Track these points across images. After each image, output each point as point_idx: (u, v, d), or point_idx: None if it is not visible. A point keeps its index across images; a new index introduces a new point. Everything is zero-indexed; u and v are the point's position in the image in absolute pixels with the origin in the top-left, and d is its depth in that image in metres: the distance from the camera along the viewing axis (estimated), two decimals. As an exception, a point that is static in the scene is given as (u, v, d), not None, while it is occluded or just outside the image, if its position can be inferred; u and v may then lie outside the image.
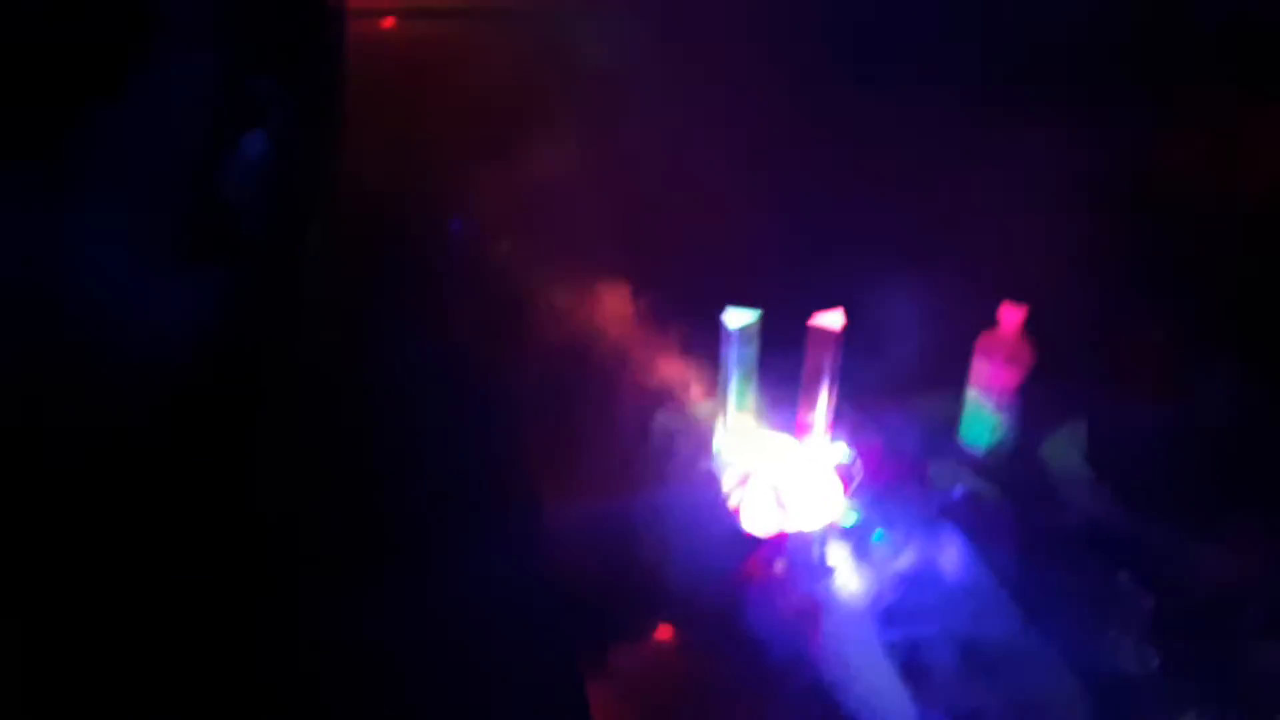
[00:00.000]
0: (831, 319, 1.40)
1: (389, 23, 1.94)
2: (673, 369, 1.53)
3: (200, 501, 1.37)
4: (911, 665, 1.28)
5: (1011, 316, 1.57)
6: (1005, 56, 1.63)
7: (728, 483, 1.42)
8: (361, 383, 1.53)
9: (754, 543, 1.37)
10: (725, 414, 1.43)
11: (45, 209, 1.22)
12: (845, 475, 1.41)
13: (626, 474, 1.48)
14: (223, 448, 1.40)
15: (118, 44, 1.19)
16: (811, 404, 1.44)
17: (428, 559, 1.37)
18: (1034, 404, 1.60)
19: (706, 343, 1.46)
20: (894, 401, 1.67)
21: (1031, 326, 1.57)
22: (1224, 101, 1.71)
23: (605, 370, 1.54)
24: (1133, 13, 1.68)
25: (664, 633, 1.34)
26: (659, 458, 1.47)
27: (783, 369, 1.47)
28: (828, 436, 1.45)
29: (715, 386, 1.45)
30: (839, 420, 1.47)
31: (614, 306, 1.57)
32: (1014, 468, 1.61)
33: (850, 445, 1.43)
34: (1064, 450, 1.64)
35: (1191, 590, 1.37)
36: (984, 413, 1.61)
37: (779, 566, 1.36)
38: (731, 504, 1.40)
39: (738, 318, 1.38)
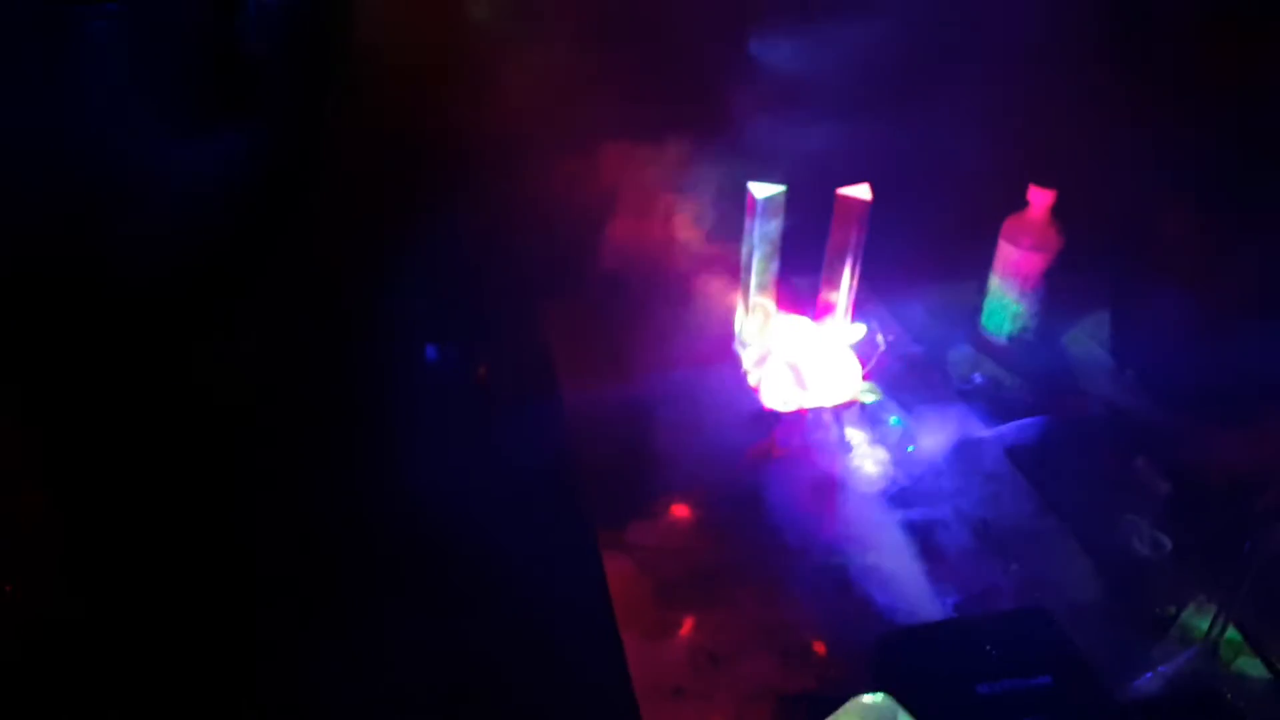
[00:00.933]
0: (859, 190, 1.36)
1: None
2: (694, 243, 1.49)
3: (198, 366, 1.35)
4: (927, 544, 1.28)
5: (1040, 200, 1.53)
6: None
7: (747, 360, 1.39)
8: (375, 270, 1.49)
9: (773, 418, 1.36)
10: (746, 291, 1.40)
11: (61, 61, 1.17)
12: (864, 354, 1.39)
13: (646, 349, 1.46)
14: (234, 311, 1.38)
15: None
16: (834, 281, 1.41)
17: (449, 430, 1.36)
18: (1058, 294, 1.58)
19: (729, 220, 1.42)
20: (916, 287, 1.65)
21: (1058, 211, 1.54)
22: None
23: (625, 244, 1.50)
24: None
25: (681, 508, 1.34)
26: (678, 336, 1.44)
27: (805, 250, 1.43)
28: (848, 317, 1.42)
29: (737, 263, 1.41)
30: (860, 302, 1.44)
31: (634, 176, 1.52)
32: (1035, 355, 1.59)
33: (870, 325, 1.41)
34: (1086, 340, 1.62)
35: (1207, 477, 1.36)
36: (1007, 300, 1.58)
37: (798, 441, 1.35)
38: (751, 381, 1.38)
39: (763, 189, 1.34)
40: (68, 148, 1.23)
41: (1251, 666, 1.15)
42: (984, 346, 1.62)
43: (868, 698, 0.94)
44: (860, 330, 1.40)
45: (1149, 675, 1.13)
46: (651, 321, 1.48)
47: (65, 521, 1.24)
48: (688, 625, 1.19)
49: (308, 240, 1.41)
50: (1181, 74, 1.61)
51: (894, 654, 1.10)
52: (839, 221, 1.37)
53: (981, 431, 1.45)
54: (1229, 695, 1.12)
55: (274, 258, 1.40)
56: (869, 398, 1.38)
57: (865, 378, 1.39)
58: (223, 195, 1.31)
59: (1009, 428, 1.45)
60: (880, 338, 1.38)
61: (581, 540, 1.29)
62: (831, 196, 1.38)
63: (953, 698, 1.02)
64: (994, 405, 1.51)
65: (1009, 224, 1.57)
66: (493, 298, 1.55)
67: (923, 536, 1.29)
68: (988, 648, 1.08)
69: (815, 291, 1.45)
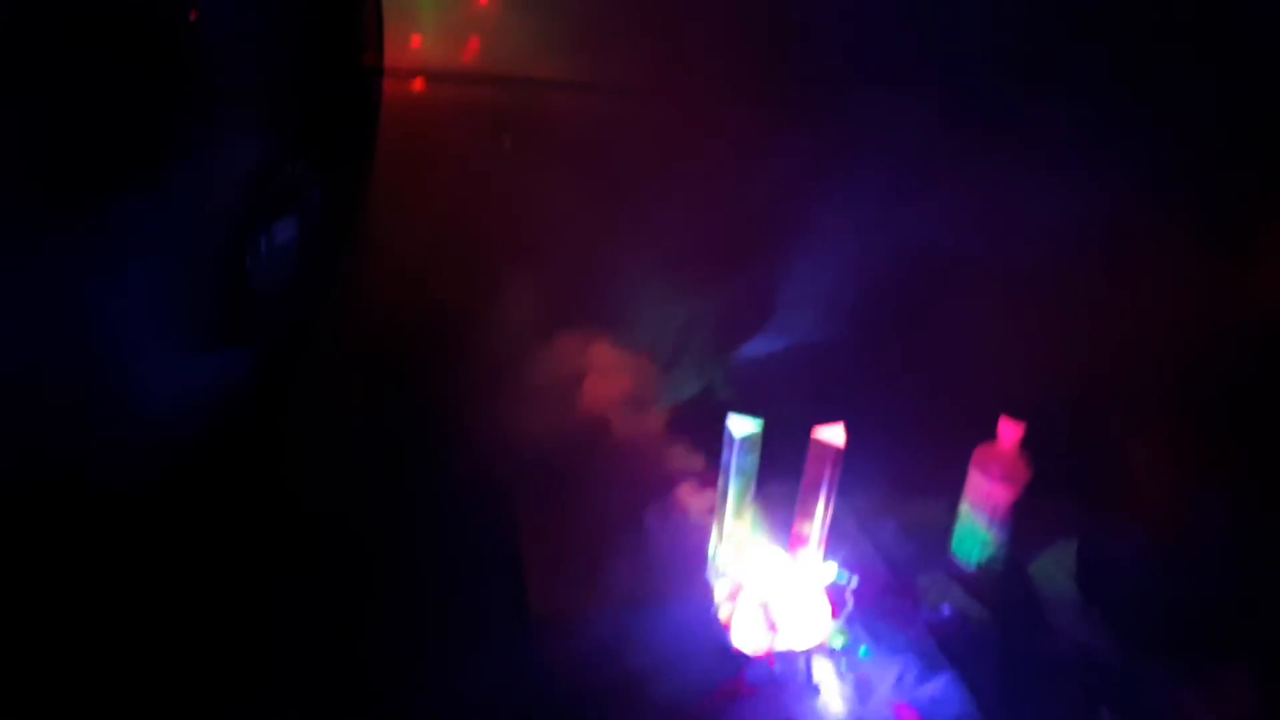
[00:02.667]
0: (833, 433, 1.39)
1: (418, 84, 1.91)
2: (672, 473, 1.51)
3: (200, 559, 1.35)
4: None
5: (1010, 432, 1.57)
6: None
7: (719, 594, 1.40)
8: (360, 470, 1.51)
9: (742, 659, 1.35)
10: (721, 522, 1.41)
11: (79, 283, 1.19)
12: (836, 598, 1.40)
13: (621, 571, 1.46)
14: (226, 524, 1.38)
15: (162, 125, 1.17)
16: (808, 516, 1.43)
17: (412, 658, 1.35)
18: (1026, 522, 1.60)
19: (708, 449, 1.44)
20: (888, 511, 1.67)
21: (1028, 444, 1.57)
22: (1227, 216, 1.72)
23: (603, 472, 1.52)
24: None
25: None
26: (652, 563, 1.45)
27: (781, 481, 1.45)
28: (822, 552, 1.44)
29: (714, 493, 1.43)
30: (834, 534, 1.46)
31: (617, 408, 1.56)
32: (1003, 586, 1.60)
33: (844, 566, 1.42)
34: (1053, 571, 1.64)
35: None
36: (977, 528, 1.60)
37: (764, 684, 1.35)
38: (722, 616, 1.38)
39: (742, 425, 1.37)
40: (69, 359, 1.25)
41: None
42: (954, 572, 1.63)
43: None
44: (832, 569, 1.41)
45: None
46: (628, 542, 1.49)
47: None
48: None
49: (287, 463, 1.43)
50: (1148, 313, 1.68)
51: None
52: (813, 461, 1.40)
53: (949, 671, 1.45)
54: None
55: (252, 481, 1.41)
56: (838, 641, 1.38)
57: (835, 617, 1.39)
58: (212, 414, 1.33)
59: (975, 665, 1.45)
60: (850, 590, 1.39)
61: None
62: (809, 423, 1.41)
63: None
64: (962, 640, 1.51)
65: (979, 453, 1.60)
66: (471, 507, 1.55)
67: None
68: None
69: (793, 500, 1.46)
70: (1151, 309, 1.67)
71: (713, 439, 1.42)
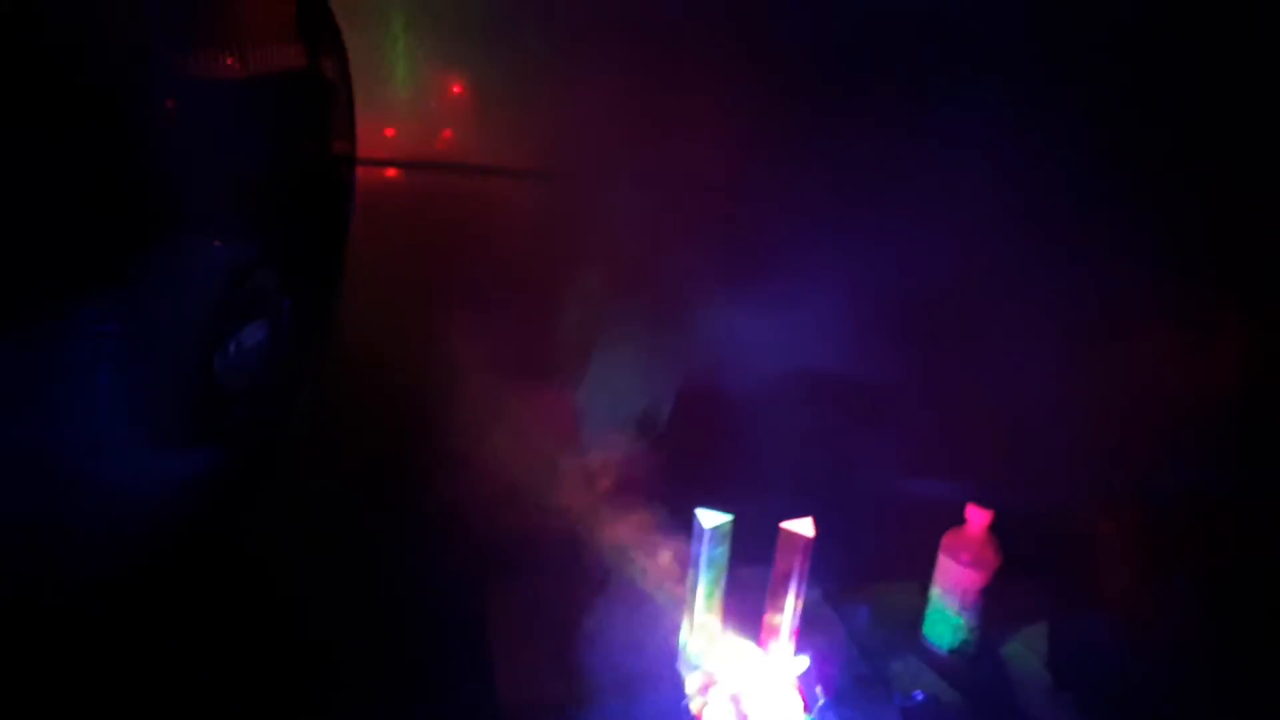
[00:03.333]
0: (802, 525, 1.40)
1: (392, 173, 1.96)
2: (641, 564, 1.52)
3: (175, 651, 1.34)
4: None
5: (978, 518, 1.58)
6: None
7: (690, 686, 1.40)
8: (330, 563, 1.51)
9: (714, 755, 1.35)
10: (692, 613, 1.42)
11: (50, 387, 1.21)
12: (807, 692, 1.40)
13: (588, 669, 1.46)
14: (195, 611, 1.37)
15: (132, 236, 1.19)
16: (778, 608, 1.43)
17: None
18: (997, 606, 1.61)
19: (677, 540, 1.46)
20: (859, 598, 1.68)
21: (996, 529, 1.59)
22: (1190, 301, 1.76)
23: (572, 558, 1.53)
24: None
25: None
26: (622, 654, 1.44)
27: (750, 573, 1.46)
28: (793, 644, 1.44)
29: (683, 585, 1.44)
30: (806, 619, 1.46)
31: (585, 495, 1.57)
32: (975, 670, 1.61)
33: (815, 663, 1.42)
34: (1025, 653, 1.65)
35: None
36: (947, 612, 1.61)
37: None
38: (694, 709, 1.38)
39: (711, 518, 1.38)
40: (47, 467, 1.26)
41: None
42: (926, 658, 1.64)
43: None
44: (804, 663, 1.42)
45: None
46: (599, 628, 1.49)
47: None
48: None
49: (260, 553, 1.43)
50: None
51: None
52: (782, 552, 1.41)
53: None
54: None
55: (226, 572, 1.41)
56: (811, 734, 1.38)
57: (806, 711, 1.39)
58: (185, 508, 1.34)
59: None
60: (819, 690, 1.40)
61: None
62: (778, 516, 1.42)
63: None
64: (936, 729, 1.51)
65: (948, 539, 1.61)
66: (442, 599, 1.55)
67: None
68: None
69: (764, 584, 1.47)
70: (1117, 394, 1.70)
71: (683, 529, 1.43)
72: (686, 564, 1.43)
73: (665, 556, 1.51)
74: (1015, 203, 1.71)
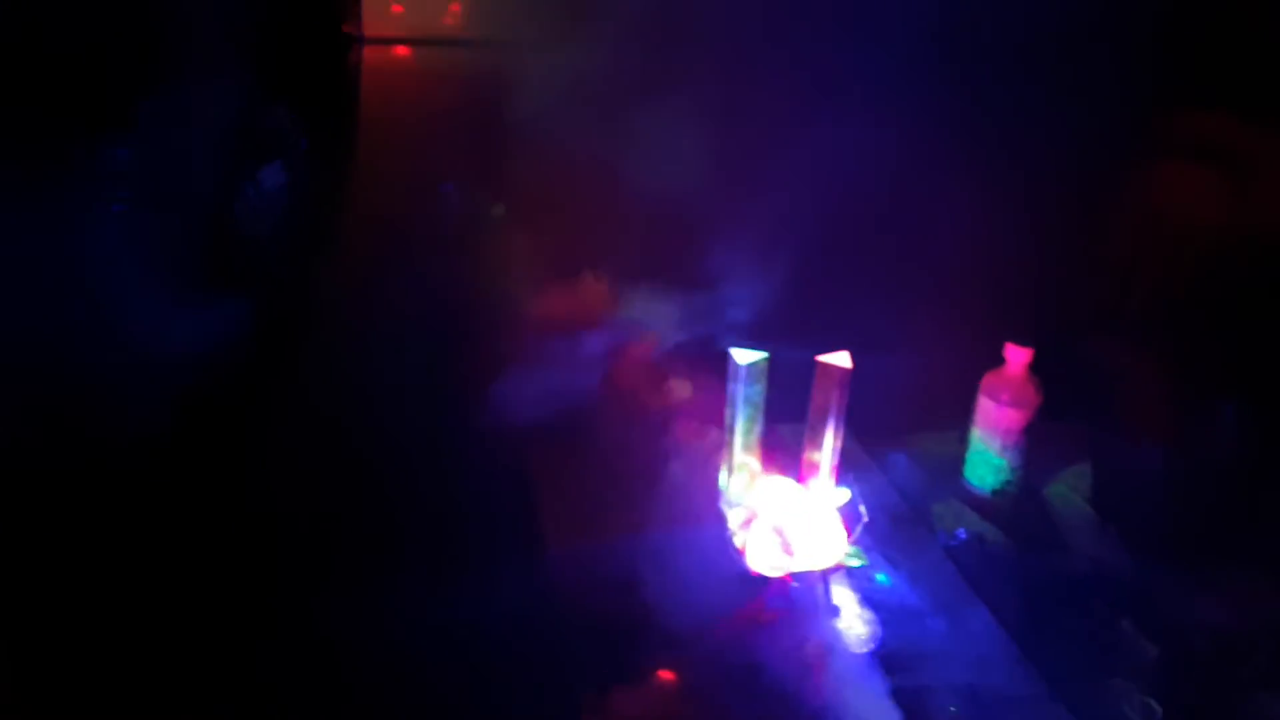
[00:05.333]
0: (839, 358, 1.40)
1: (403, 51, 1.94)
2: (680, 407, 1.52)
3: (207, 507, 1.36)
4: (914, 712, 1.26)
5: (1017, 357, 1.57)
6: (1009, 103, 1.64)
7: (733, 523, 1.41)
8: (368, 412, 1.52)
9: (759, 583, 1.36)
10: (731, 454, 1.42)
11: (65, 234, 1.22)
12: (849, 518, 1.40)
13: (632, 512, 1.48)
14: (227, 465, 1.39)
15: (133, 71, 1.19)
16: (817, 442, 1.43)
17: (429, 593, 1.36)
18: (1039, 445, 1.60)
19: (714, 382, 1.45)
20: (901, 437, 1.67)
21: (1037, 367, 1.57)
22: (1225, 131, 1.71)
23: (613, 406, 1.53)
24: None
25: (666, 674, 1.33)
26: (665, 496, 1.46)
27: (789, 411, 1.46)
28: (832, 478, 1.44)
29: (722, 426, 1.44)
30: (846, 452, 1.46)
31: (622, 343, 1.57)
32: (1018, 509, 1.60)
33: (856, 495, 1.42)
34: (1068, 493, 1.64)
35: (1194, 640, 1.36)
36: (989, 454, 1.61)
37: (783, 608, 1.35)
38: (737, 543, 1.39)
39: (746, 356, 1.38)
40: (70, 319, 1.28)
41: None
42: (968, 499, 1.64)
43: None
44: (845, 494, 1.42)
45: None
46: (640, 477, 1.50)
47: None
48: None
49: (302, 399, 1.44)
50: (1152, 234, 1.68)
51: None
52: (820, 387, 1.41)
53: (967, 592, 1.46)
54: None
55: (270, 418, 1.43)
56: (855, 562, 1.38)
57: (850, 542, 1.40)
58: (218, 361, 1.35)
59: (994, 586, 1.46)
60: (863, 508, 1.40)
61: (564, 706, 1.28)
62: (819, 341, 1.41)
63: None
64: (979, 561, 1.52)
65: (988, 380, 1.60)
66: (481, 445, 1.56)
67: (909, 704, 1.27)
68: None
69: (801, 439, 1.47)
70: (1153, 225, 1.66)
71: (720, 373, 1.43)
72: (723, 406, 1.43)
73: (704, 398, 1.50)
74: (1016, 39, 1.65)
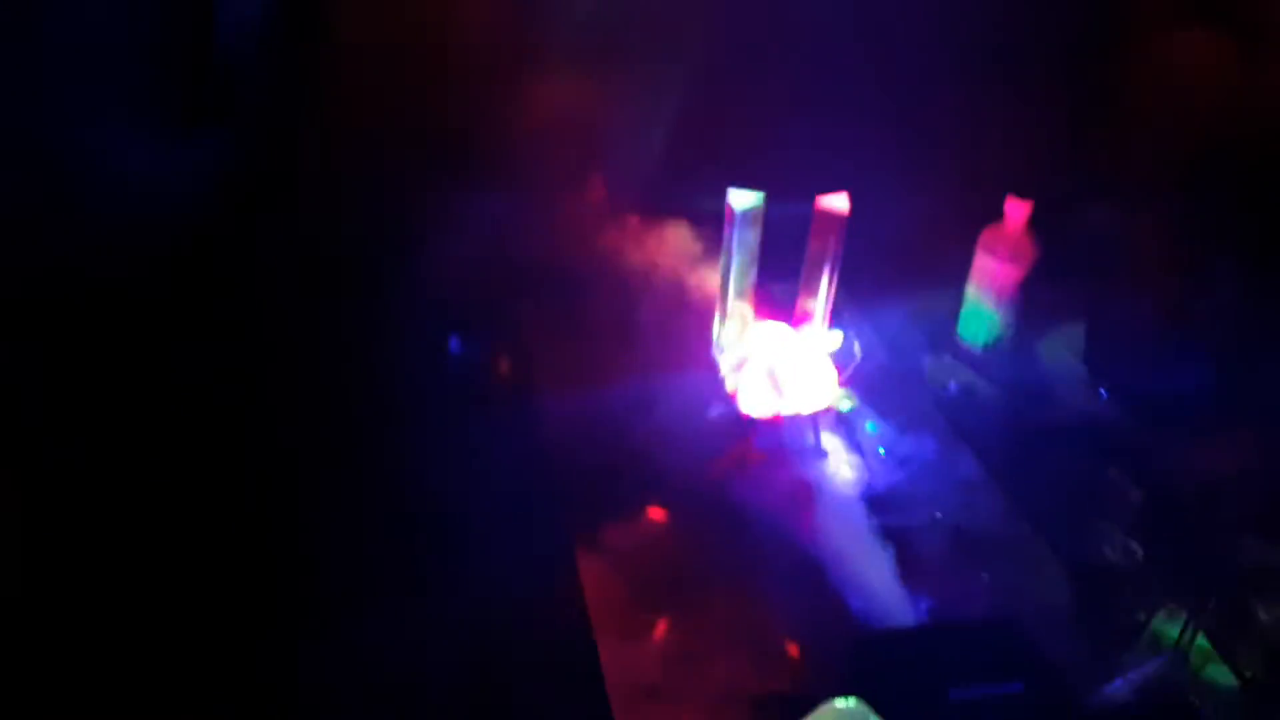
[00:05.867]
0: (838, 201, 1.37)
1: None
2: (673, 252, 1.50)
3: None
4: (902, 550, 1.28)
5: (1017, 212, 1.55)
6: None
7: (725, 366, 1.40)
8: (353, 257, 1.49)
9: (750, 424, 1.36)
10: (724, 298, 1.41)
11: (39, 63, 1.17)
12: (842, 360, 1.40)
13: (626, 352, 1.47)
14: (209, 311, 1.37)
15: None
16: (812, 290, 1.42)
17: (423, 434, 1.36)
18: (1033, 304, 1.59)
19: (708, 226, 1.43)
20: (894, 294, 1.66)
21: (1035, 223, 1.55)
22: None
23: (606, 252, 1.51)
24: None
25: (657, 512, 1.34)
26: (657, 340, 1.45)
27: (783, 258, 1.44)
28: (825, 324, 1.43)
29: (715, 270, 1.42)
30: (838, 310, 1.45)
31: (615, 190, 1.54)
32: (1010, 365, 1.60)
33: (847, 333, 1.41)
34: (1061, 350, 1.64)
35: (1178, 487, 1.38)
36: (983, 309, 1.60)
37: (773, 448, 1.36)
38: (729, 387, 1.39)
39: (742, 198, 1.35)
40: (40, 148, 1.24)
41: (1220, 674, 1.16)
42: (960, 355, 1.63)
43: (840, 702, 0.94)
44: (838, 338, 1.41)
45: (1119, 682, 1.14)
46: (632, 325, 1.49)
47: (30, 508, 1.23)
48: (662, 627, 1.20)
49: (287, 239, 1.41)
50: (1154, 92, 1.64)
51: (867, 658, 1.10)
52: (817, 231, 1.39)
53: (956, 439, 1.47)
54: (1197, 702, 1.13)
55: (255, 256, 1.40)
56: (845, 405, 1.38)
57: (842, 385, 1.40)
58: (199, 196, 1.31)
59: (982, 435, 1.47)
60: (857, 346, 1.39)
61: (557, 542, 1.30)
62: (811, 201, 1.39)
63: (925, 703, 1.03)
64: (969, 413, 1.52)
65: (986, 235, 1.58)
66: (473, 297, 1.55)
67: (897, 543, 1.29)
68: (960, 654, 1.08)
69: (794, 297, 1.46)
70: (1157, 86, 1.62)
71: (713, 220, 1.40)
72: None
73: (697, 245, 1.48)
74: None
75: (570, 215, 1.55)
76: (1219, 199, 1.58)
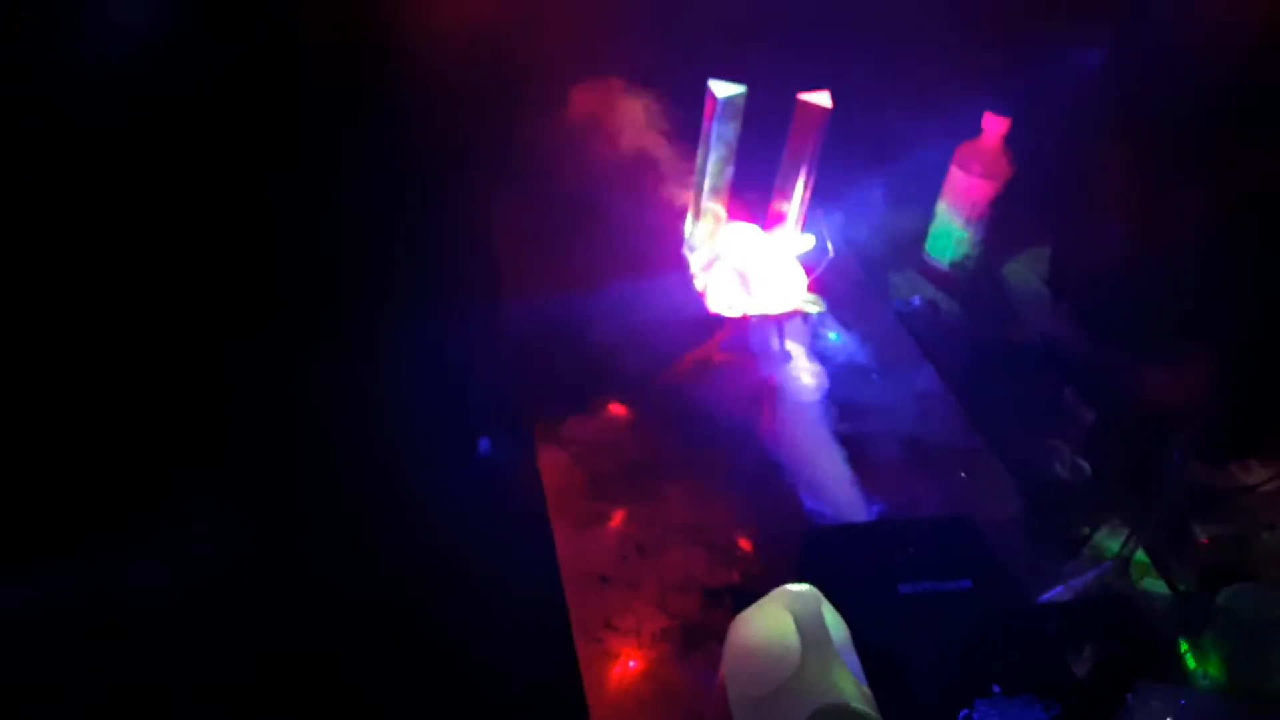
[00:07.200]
0: (820, 97, 1.33)
1: None
2: (647, 146, 1.46)
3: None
4: (857, 455, 1.29)
5: (994, 127, 1.53)
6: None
7: (695, 264, 1.38)
8: (327, 121, 1.43)
9: (717, 323, 1.35)
10: (698, 195, 1.37)
11: None
12: (810, 264, 1.38)
13: (594, 250, 1.44)
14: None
15: None
16: (787, 190, 1.39)
17: (389, 325, 1.33)
18: (1001, 223, 1.59)
19: (684, 124, 1.39)
20: (863, 208, 1.65)
21: (1010, 141, 1.54)
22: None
23: (576, 146, 1.46)
24: None
25: (619, 407, 1.33)
26: (628, 235, 1.41)
27: (758, 160, 1.40)
28: (798, 227, 1.41)
29: (689, 168, 1.38)
30: (809, 220, 1.43)
31: (589, 83, 1.48)
32: (974, 284, 1.61)
33: (819, 235, 1.40)
34: (1024, 272, 1.65)
35: (1130, 409, 1.40)
36: (952, 226, 1.59)
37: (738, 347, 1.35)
38: (698, 286, 1.37)
39: (724, 88, 1.31)
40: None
41: (1156, 585, 1.20)
42: (926, 271, 1.63)
43: (794, 587, 0.95)
44: (809, 241, 1.39)
45: (1060, 588, 1.17)
46: (601, 222, 1.45)
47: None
48: (618, 518, 1.19)
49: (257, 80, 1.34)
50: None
51: (819, 552, 1.11)
52: (798, 127, 1.35)
53: (917, 352, 1.47)
54: (1132, 609, 1.16)
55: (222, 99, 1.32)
56: (813, 309, 1.37)
57: (811, 288, 1.38)
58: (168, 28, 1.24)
59: (943, 349, 1.47)
60: (830, 244, 1.37)
61: (516, 430, 1.28)
62: (787, 109, 1.35)
63: (874, 595, 1.04)
64: (931, 328, 1.53)
65: (961, 150, 1.57)
66: (438, 194, 1.50)
67: (854, 447, 1.29)
68: (911, 550, 1.09)
69: (766, 203, 1.44)
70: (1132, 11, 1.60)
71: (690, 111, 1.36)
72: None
73: (673, 137, 1.44)
74: None
75: (535, 107, 1.49)
76: (1191, 123, 1.57)
